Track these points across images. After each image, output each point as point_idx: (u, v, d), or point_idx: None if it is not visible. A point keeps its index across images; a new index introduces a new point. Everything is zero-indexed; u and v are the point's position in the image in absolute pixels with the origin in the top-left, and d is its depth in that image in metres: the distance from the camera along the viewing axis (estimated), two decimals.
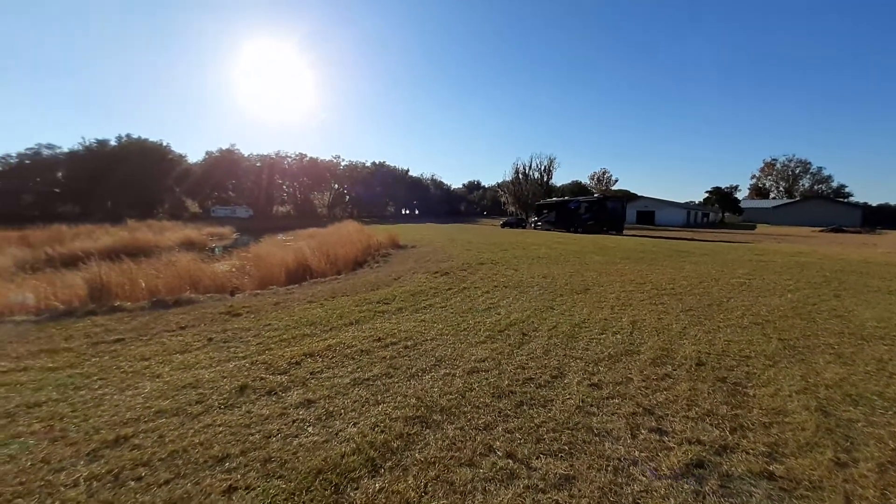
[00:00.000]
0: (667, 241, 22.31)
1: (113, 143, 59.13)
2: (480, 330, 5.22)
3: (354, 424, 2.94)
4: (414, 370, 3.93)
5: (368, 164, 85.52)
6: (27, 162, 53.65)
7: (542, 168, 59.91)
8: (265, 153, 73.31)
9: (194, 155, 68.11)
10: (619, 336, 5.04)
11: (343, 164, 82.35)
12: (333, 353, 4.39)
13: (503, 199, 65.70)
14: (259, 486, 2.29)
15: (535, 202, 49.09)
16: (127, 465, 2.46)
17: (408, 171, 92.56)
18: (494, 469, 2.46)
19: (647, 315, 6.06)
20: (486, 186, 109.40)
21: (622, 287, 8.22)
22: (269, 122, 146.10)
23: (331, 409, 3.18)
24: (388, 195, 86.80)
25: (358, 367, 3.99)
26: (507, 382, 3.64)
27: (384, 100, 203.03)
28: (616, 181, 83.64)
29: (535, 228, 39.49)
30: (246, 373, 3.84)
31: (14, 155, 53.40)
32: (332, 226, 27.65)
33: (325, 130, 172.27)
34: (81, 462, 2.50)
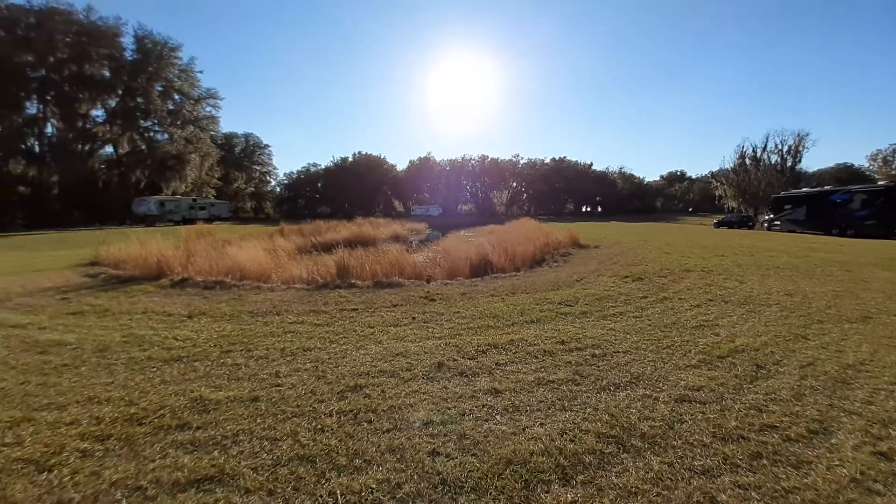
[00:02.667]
0: None
1: (350, 159, 78.26)
2: (691, 351, 4.32)
3: (541, 425, 2.87)
4: (604, 383, 3.56)
5: (547, 160, 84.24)
6: (302, 176, 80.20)
7: (786, 149, 44.97)
8: (453, 157, 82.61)
9: (401, 163, 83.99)
10: None
11: (521, 162, 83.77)
12: (516, 348, 4.44)
13: (718, 193, 53.00)
14: (457, 458, 2.49)
15: (770, 195, 37.43)
16: (362, 409, 3.10)
17: (591, 164, 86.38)
18: None
19: None
20: (694, 178, 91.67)
21: None
22: (456, 127, 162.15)
23: (517, 403, 3.21)
24: (567, 191, 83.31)
25: (541, 367, 3.91)
26: (734, 424, 2.87)
27: (568, 94, 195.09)
28: None
29: (768, 229, 30.36)
30: (441, 352, 4.31)
31: (295, 172, 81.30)
32: (510, 223, 28.45)
33: (507, 130, 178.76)
34: (334, 398, 3.29)
